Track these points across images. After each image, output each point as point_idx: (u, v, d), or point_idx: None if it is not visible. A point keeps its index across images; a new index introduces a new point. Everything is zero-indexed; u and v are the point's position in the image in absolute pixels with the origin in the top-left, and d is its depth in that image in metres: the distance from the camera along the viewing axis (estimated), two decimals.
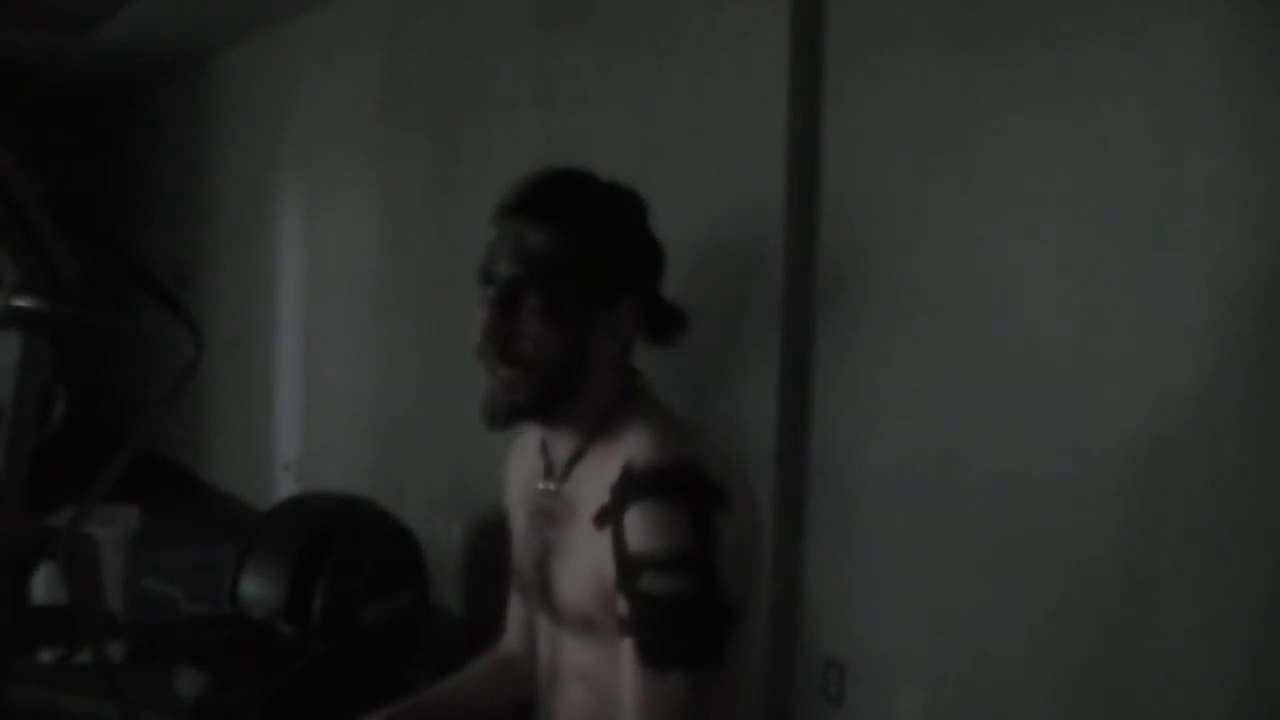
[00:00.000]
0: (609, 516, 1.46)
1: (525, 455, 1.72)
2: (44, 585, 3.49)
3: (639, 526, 1.41)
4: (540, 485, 1.64)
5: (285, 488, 5.87)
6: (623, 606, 1.43)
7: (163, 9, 5.73)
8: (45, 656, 3.56)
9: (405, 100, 5.02)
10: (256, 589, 3.82)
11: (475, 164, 4.44)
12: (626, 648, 1.43)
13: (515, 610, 1.86)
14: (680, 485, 1.43)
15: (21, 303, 1.61)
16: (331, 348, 5.78)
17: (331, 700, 3.55)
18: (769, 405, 3.14)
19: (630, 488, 1.44)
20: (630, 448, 1.48)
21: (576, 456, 1.57)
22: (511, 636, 1.87)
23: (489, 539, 4.44)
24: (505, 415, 1.54)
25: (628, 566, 1.42)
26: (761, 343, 3.16)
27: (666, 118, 3.52)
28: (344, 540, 3.86)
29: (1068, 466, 2.55)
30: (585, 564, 1.50)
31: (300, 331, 6.11)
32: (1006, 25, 2.66)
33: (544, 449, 1.65)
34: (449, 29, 4.68)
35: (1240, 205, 2.26)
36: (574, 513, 1.54)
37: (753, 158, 3.19)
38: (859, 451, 3.02)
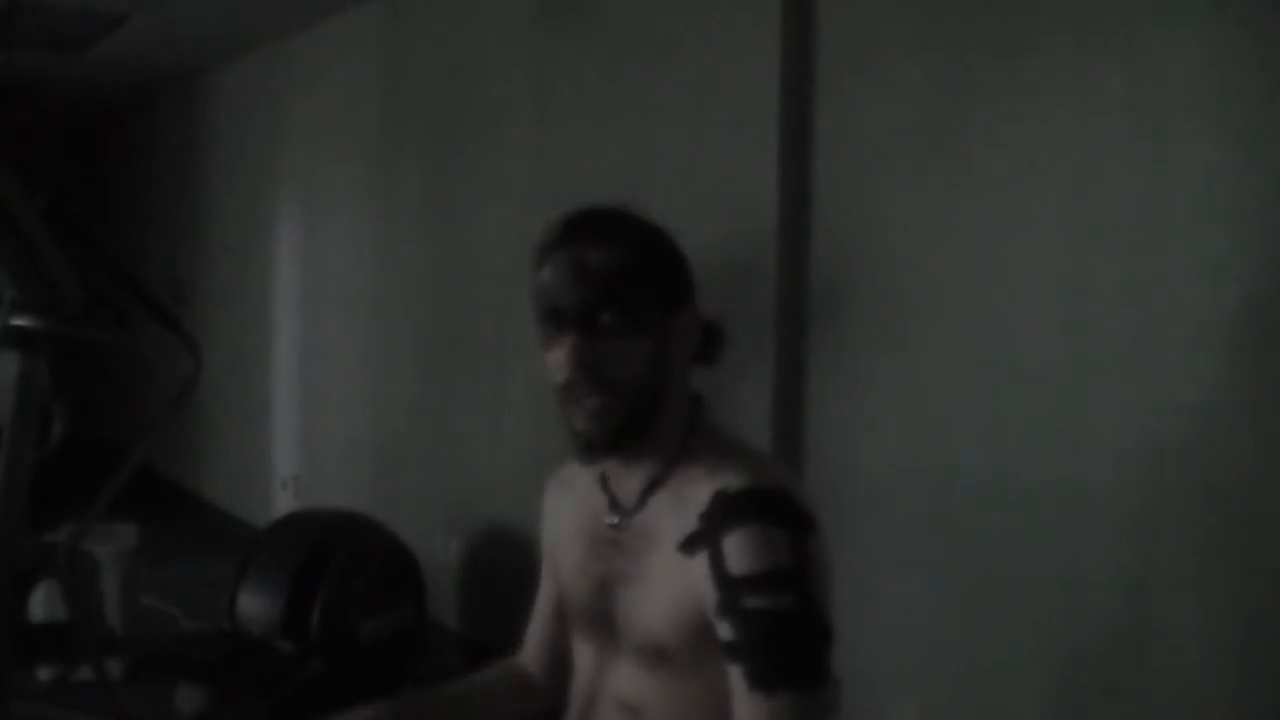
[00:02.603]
0: (701, 541, 1.45)
1: (575, 491, 1.70)
2: (43, 602, 3.49)
3: (740, 549, 1.41)
4: (607, 520, 1.61)
5: (283, 504, 5.87)
6: (726, 631, 1.42)
7: (158, 27, 5.75)
8: (44, 673, 3.56)
9: (400, 117, 5.04)
10: (255, 605, 3.82)
11: (471, 179, 4.45)
12: (734, 675, 1.41)
13: (536, 631, 1.85)
14: (777, 509, 1.44)
15: (20, 321, 1.61)
16: (329, 364, 5.78)
17: (329, 716, 3.55)
18: (762, 418, 3.14)
19: (727, 512, 1.44)
20: (720, 475, 1.48)
21: (653, 486, 1.56)
22: (528, 654, 1.85)
23: (486, 555, 4.44)
24: (605, 444, 1.51)
25: (730, 590, 1.41)
26: (755, 354, 3.17)
27: (659, 132, 3.53)
28: (342, 556, 3.87)
29: (1062, 475, 2.56)
30: (665, 593, 1.49)
31: (297, 348, 6.11)
32: (997, 37, 2.68)
33: (604, 484, 1.63)
34: (444, 46, 4.70)
35: (1232, 212, 2.28)
36: (651, 542, 1.53)
37: (745, 169, 3.20)
38: (852, 463, 3.02)
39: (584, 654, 1.67)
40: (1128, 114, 2.43)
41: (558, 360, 1.49)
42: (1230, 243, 2.27)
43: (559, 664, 1.79)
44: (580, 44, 3.89)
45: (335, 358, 5.71)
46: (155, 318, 1.85)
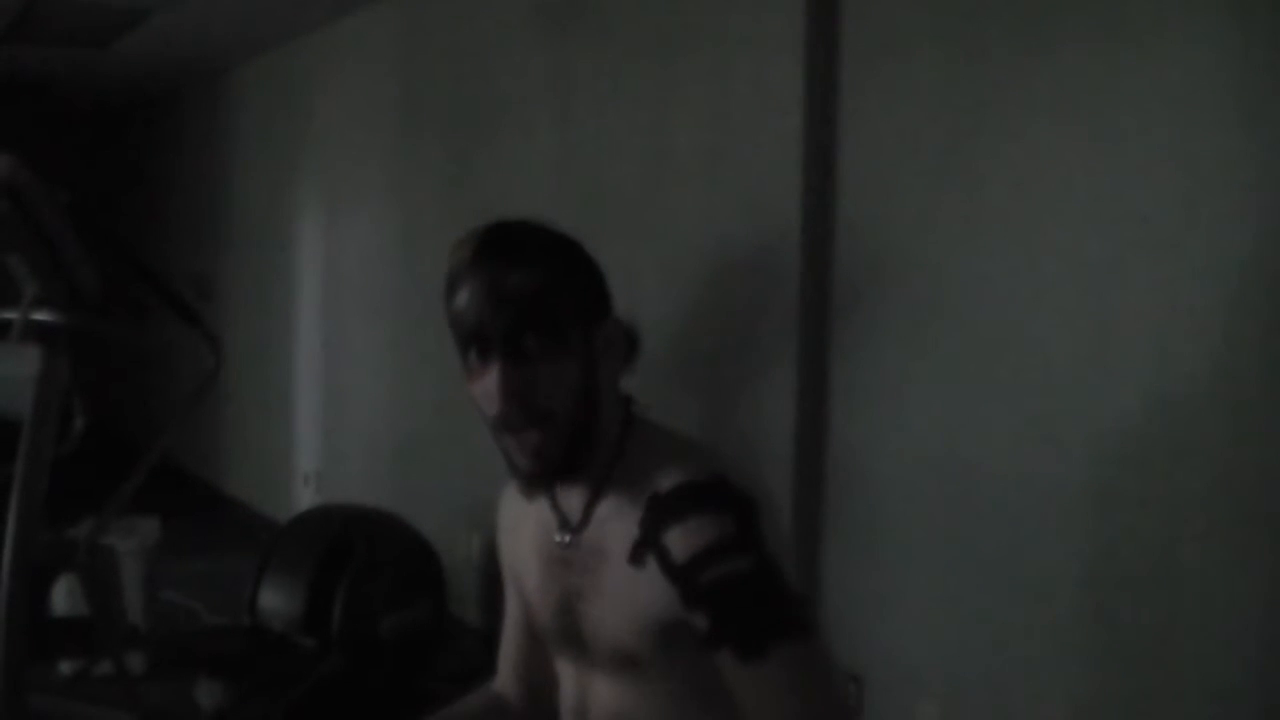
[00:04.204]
0: (646, 547, 1.42)
1: (527, 513, 1.66)
2: (64, 597, 3.51)
3: (681, 540, 1.38)
4: (557, 538, 1.57)
5: (304, 500, 5.88)
6: (701, 621, 1.38)
7: (180, 24, 5.76)
8: (66, 667, 3.58)
9: (421, 113, 5.04)
10: (276, 601, 3.83)
11: (491, 176, 4.45)
12: (724, 663, 1.37)
13: (509, 655, 1.83)
14: (713, 497, 1.40)
15: (42, 316, 1.62)
16: (350, 360, 5.79)
17: (350, 711, 3.56)
18: (786, 414, 3.13)
19: (663, 512, 1.41)
20: (655, 477, 1.44)
21: (594, 498, 1.52)
22: (504, 679, 1.83)
23: None
24: (546, 476, 1.48)
25: (685, 577, 1.38)
26: (778, 352, 3.16)
27: (681, 128, 3.52)
28: (363, 552, 3.87)
29: (1084, 472, 2.54)
30: (623, 603, 1.46)
31: (319, 344, 6.12)
32: (1019, 33, 2.66)
33: (553, 502, 1.58)
34: (464, 42, 4.70)
35: (1254, 210, 2.25)
36: (602, 555, 1.50)
37: (767, 167, 3.19)
38: (875, 461, 3.01)
39: (565, 673, 1.65)
40: (1153, 109, 2.41)
41: (486, 391, 1.44)
42: (1258, 238, 2.25)
43: (535, 686, 1.77)
44: (601, 39, 3.89)
45: (357, 354, 5.72)
46: (176, 314, 1.85)
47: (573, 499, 1.55)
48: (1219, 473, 2.32)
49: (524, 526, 1.67)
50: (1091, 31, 2.52)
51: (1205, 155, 2.32)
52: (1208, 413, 2.34)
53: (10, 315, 1.94)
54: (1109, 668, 2.51)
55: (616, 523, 1.48)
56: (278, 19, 5.72)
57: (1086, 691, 2.55)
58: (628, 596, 1.45)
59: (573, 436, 1.45)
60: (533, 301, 1.42)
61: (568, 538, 1.55)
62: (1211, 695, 2.33)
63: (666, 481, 1.42)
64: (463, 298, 1.48)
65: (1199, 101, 2.33)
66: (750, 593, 1.36)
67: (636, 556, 1.43)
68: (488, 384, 1.44)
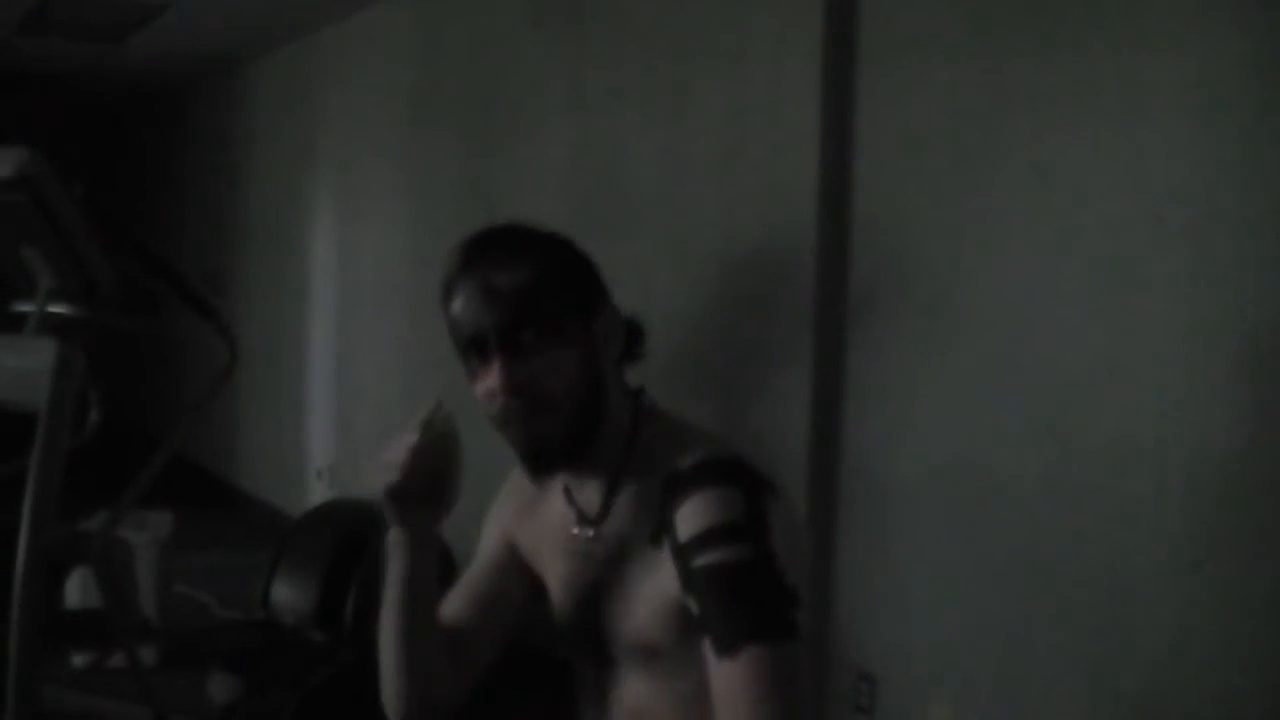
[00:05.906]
0: (662, 527, 1.43)
1: (543, 498, 1.67)
2: (78, 589, 3.51)
3: (688, 516, 1.39)
4: (576, 531, 1.58)
5: (317, 494, 5.89)
6: (693, 605, 1.39)
7: (194, 19, 5.77)
8: (79, 660, 3.59)
9: (436, 109, 5.04)
10: (288, 595, 3.84)
11: (507, 172, 4.45)
12: (705, 649, 1.38)
13: (454, 603, 1.79)
14: (728, 473, 1.42)
15: (57, 309, 1.62)
16: (364, 355, 5.80)
17: (361, 706, 3.56)
18: (800, 415, 3.12)
19: (678, 489, 1.42)
20: (671, 461, 1.46)
21: (612, 489, 1.54)
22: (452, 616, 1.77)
23: None
24: (551, 463, 1.50)
25: (683, 556, 1.39)
26: (792, 351, 3.15)
27: (698, 127, 3.51)
28: (375, 547, 3.87)
29: (1102, 476, 2.53)
30: (646, 590, 1.47)
31: (333, 338, 6.13)
32: (1038, 36, 2.65)
33: (568, 497, 1.60)
34: (478, 37, 4.70)
35: (1272, 208, 2.24)
36: (623, 546, 1.51)
37: (784, 167, 3.18)
38: (891, 462, 3.00)
39: (583, 675, 1.65)
40: (1169, 107, 2.40)
41: (488, 389, 1.48)
42: (1277, 237, 2.23)
43: (460, 649, 1.70)
44: (616, 36, 3.88)
45: (370, 349, 5.73)
46: (191, 308, 1.85)
47: (589, 492, 1.56)
48: (1236, 475, 2.30)
49: (541, 514, 1.67)
50: (1107, 30, 2.51)
51: (1222, 153, 2.31)
52: (1224, 414, 2.32)
53: (26, 308, 1.95)
54: (1121, 669, 2.50)
55: (636, 511, 1.50)
56: (292, 14, 5.73)
57: (1098, 693, 2.55)
58: (649, 583, 1.47)
59: (575, 420, 1.48)
60: (525, 297, 1.47)
61: (590, 532, 1.56)
62: (1222, 698, 2.32)
63: (684, 461, 1.44)
64: (458, 303, 1.53)
65: (1216, 99, 2.32)
66: (739, 586, 1.37)
67: (656, 538, 1.44)
68: (489, 382, 1.48)
